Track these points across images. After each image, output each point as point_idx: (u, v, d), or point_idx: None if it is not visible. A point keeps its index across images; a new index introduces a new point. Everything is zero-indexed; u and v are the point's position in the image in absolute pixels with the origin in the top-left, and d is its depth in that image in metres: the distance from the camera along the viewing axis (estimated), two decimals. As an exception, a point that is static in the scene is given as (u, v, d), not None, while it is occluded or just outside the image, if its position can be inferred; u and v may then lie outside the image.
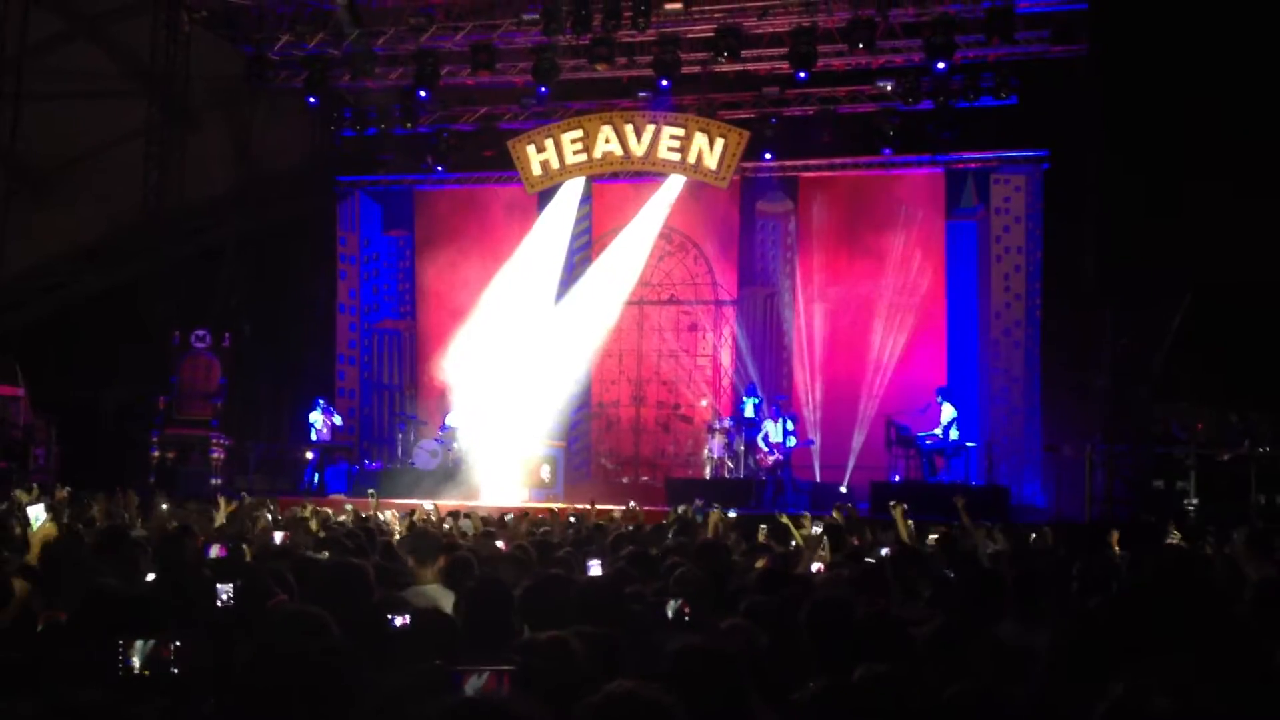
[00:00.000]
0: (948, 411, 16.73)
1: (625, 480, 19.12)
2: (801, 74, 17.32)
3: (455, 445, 18.46)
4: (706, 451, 18.42)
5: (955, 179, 18.69)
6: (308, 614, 3.48)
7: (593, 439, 20.25)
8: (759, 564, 7.26)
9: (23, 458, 18.22)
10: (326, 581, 4.77)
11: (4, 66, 18.31)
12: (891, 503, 9.72)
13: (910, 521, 9.67)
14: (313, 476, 18.48)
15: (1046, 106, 17.23)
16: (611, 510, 12.93)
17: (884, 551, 8.40)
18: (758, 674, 3.69)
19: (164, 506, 11.27)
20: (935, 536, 9.30)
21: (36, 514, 5.58)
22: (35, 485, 12.06)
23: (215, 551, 5.84)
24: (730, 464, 18.03)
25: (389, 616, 4.13)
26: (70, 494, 9.28)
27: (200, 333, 19.45)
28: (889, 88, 18.24)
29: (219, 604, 4.19)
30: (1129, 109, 15.91)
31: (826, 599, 4.76)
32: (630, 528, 10.47)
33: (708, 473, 18.16)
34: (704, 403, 19.85)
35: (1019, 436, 17.82)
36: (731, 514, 11.49)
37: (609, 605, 4.95)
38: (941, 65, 16.79)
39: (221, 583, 4.27)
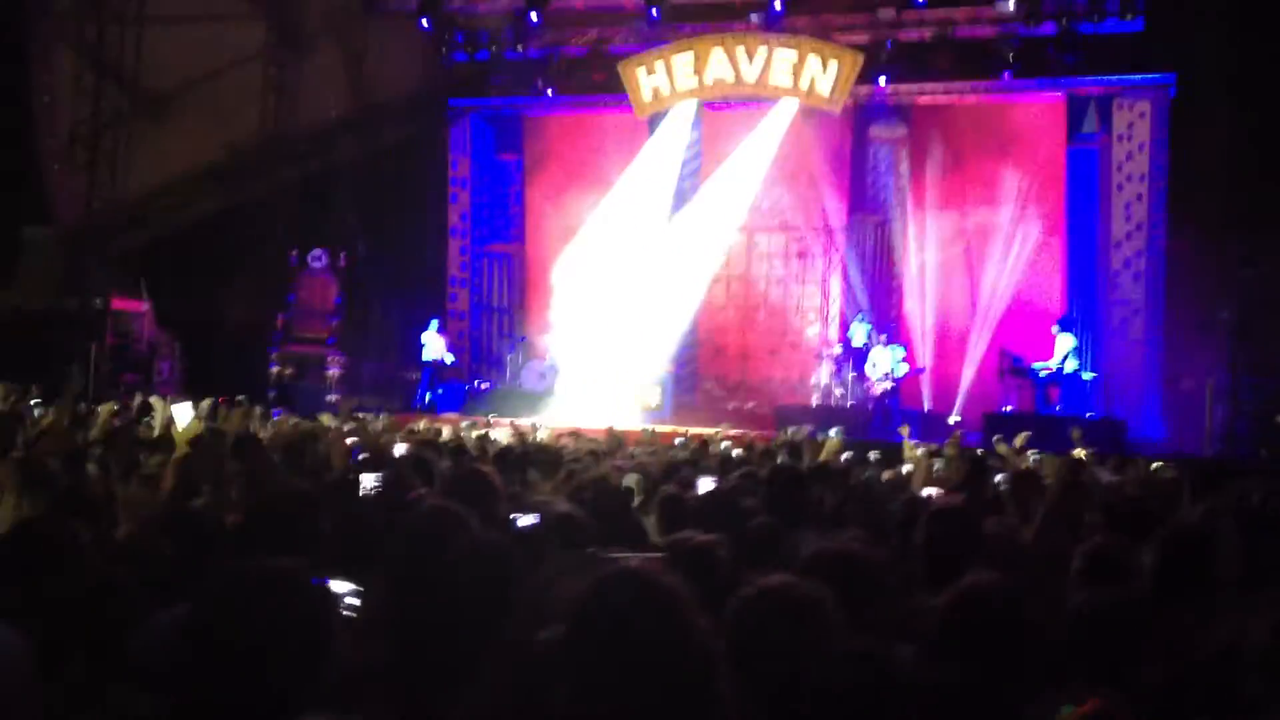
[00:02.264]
0: (1065, 342, 16.41)
1: (732, 406, 19.10)
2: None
3: (557, 367, 18.68)
4: (815, 378, 18.35)
5: (1076, 105, 18.10)
6: (451, 509, 3.57)
7: (700, 365, 20.25)
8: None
9: (147, 371, 18.88)
10: (456, 485, 4.88)
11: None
12: (1019, 435, 9.60)
13: (1029, 453, 9.56)
14: (424, 395, 18.82)
15: (1174, 28, 16.57)
16: (720, 433, 12.98)
17: (997, 478, 8.35)
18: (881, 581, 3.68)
19: (288, 418, 11.60)
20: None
21: (183, 412, 5.76)
22: (167, 396, 12.47)
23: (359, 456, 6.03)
24: (839, 391, 17.93)
25: (513, 517, 4.22)
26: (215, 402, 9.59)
27: (317, 252, 19.86)
28: (1010, 9, 17.70)
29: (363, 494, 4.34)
30: (1261, 30, 15.25)
31: (944, 510, 4.72)
32: (739, 450, 10.51)
33: (816, 400, 18.10)
34: (813, 330, 19.72)
35: (1138, 369, 17.36)
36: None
37: (728, 516, 5.00)
38: (1067, -15, 16.28)
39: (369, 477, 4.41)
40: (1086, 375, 16.75)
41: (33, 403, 10.52)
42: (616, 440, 11.11)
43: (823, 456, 9.33)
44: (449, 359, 19.30)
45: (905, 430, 10.53)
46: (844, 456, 9.81)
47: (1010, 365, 16.98)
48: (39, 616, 2.92)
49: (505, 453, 7.84)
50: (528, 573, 3.00)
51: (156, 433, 6.83)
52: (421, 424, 12.07)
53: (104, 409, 8.88)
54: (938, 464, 9.02)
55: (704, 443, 11.10)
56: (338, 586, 2.51)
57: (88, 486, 5.08)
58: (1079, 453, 9.41)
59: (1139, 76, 17.49)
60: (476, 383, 20.00)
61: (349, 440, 7.64)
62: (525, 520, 4.08)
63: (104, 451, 6.74)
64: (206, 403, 8.77)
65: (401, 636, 3.11)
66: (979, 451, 10.48)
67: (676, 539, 3.66)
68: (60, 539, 3.40)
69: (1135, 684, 3.02)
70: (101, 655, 2.91)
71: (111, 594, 3.07)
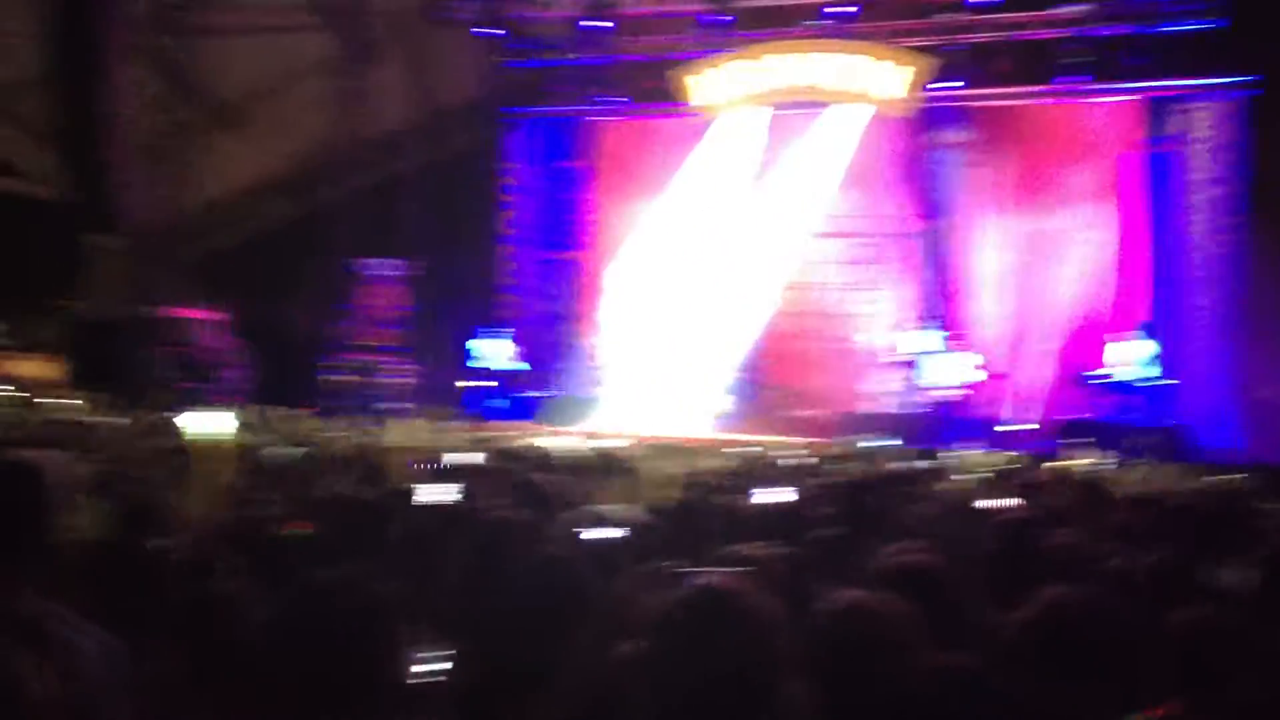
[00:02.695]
0: (1141, 349, 16.12)
1: (796, 413, 18.95)
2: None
3: (619, 375, 18.72)
4: (879, 385, 18.17)
5: (1152, 107, 17.79)
6: (519, 520, 3.54)
7: (763, 371, 20.12)
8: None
9: (214, 379, 19.10)
10: (524, 496, 4.86)
11: (196, 2, 18.98)
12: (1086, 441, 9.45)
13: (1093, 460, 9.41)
14: (487, 403, 18.88)
15: (1256, 28, 16.21)
16: (788, 440, 12.90)
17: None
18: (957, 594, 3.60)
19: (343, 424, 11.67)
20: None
21: (223, 422, 5.80)
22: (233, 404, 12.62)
23: (421, 465, 6.03)
24: (903, 398, 17.74)
25: (585, 529, 4.19)
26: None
27: (380, 261, 20.00)
28: (1082, 10, 17.41)
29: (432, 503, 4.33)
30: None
31: (1015, 522, 4.65)
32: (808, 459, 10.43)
33: (879, 407, 17.92)
34: (878, 336, 19.52)
35: (1215, 376, 16.99)
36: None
37: (800, 527, 4.94)
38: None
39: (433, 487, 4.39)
40: (1164, 382, 16.41)
41: (106, 412, 10.68)
42: (679, 450, 11.06)
43: (886, 467, 9.25)
44: (511, 367, 19.36)
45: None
46: (909, 465, 9.72)
47: (1081, 372, 16.71)
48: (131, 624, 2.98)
49: (582, 462, 7.83)
50: (604, 584, 2.97)
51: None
52: (487, 433, 12.11)
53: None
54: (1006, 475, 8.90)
55: (773, 451, 11.01)
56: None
57: (158, 497, 5.12)
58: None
59: (1216, 78, 17.12)
60: (539, 390, 20.03)
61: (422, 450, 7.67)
62: (601, 532, 4.05)
63: (176, 462, 6.81)
64: (256, 410, 8.84)
65: (470, 645, 3.09)
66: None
67: (751, 552, 3.60)
68: (141, 551, 3.46)
69: (1223, 702, 2.93)
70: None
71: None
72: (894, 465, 9.46)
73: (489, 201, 21.14)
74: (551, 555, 3.11)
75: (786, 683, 2.15)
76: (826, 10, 17.96)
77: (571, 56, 19.61)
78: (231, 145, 20.47)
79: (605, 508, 5.80)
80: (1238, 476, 10.68)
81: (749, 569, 3.15)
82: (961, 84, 18.00)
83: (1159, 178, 17.79)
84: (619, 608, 2.62)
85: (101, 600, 3.28)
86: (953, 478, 8.88)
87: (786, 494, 6.53)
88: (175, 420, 9.61)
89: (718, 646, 2.16)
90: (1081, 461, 9.28)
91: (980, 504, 7.04)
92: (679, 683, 2.13)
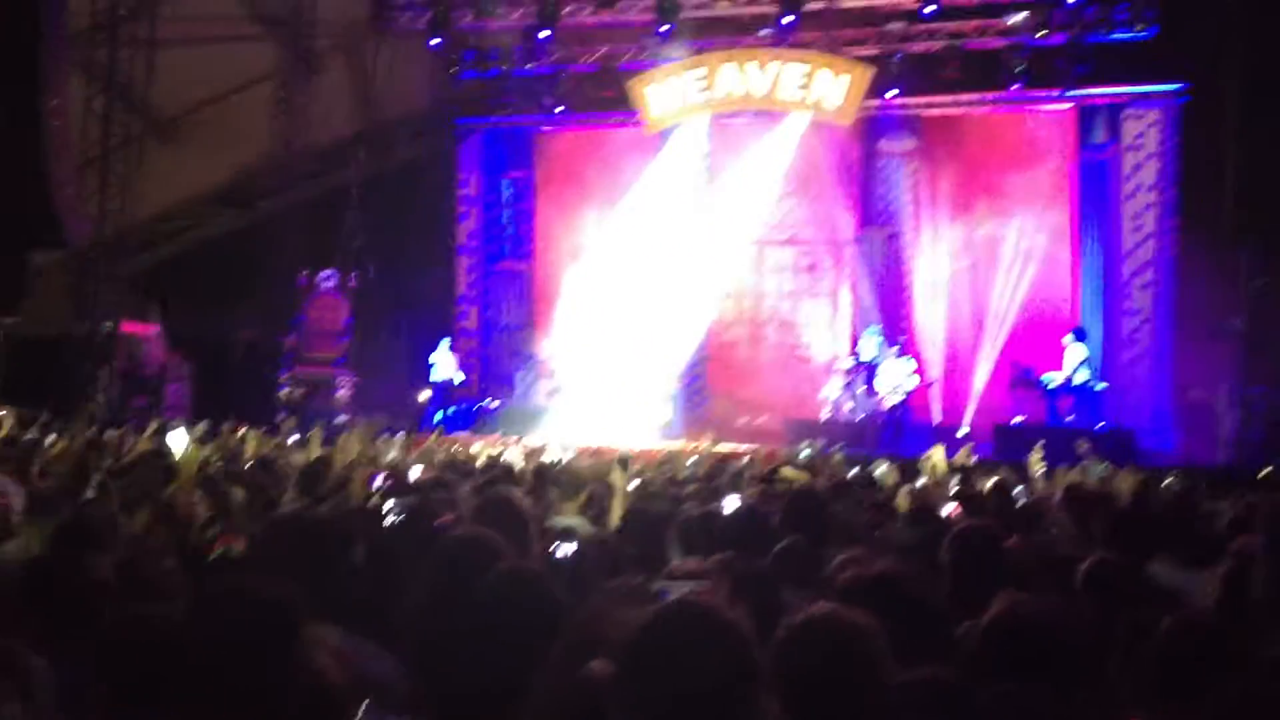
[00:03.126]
0: (1076, 353, 16.40)
1: (743, 421, 19.05)
2: (928, 9, 16.98)
3: (567, 385, 18.72)
4: (825, 393, 18.33)
5: (1086, 115, 18.16)
6: (483, 537, 3.55)
7: (710, 379, 20.23)
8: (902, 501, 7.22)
9: (158, 394, 18.88)
10: (483, 511, 4.86)
11: (136, 13, 18.76)
12: (1034, 449, 9.60)
13: (1043, 465, 9.55)
14: (435, 415, 18.81)
15: (1185, 38, 16.59)
16: (737, 449, 12.97)
17: (1016, 491, 8.34)
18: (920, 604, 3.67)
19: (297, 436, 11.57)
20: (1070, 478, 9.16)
21: (178, 439, 5.76)
22: (173, 420, 12.49)
23: (379, 481, 6.00)
24: (849, 405, 17.91)
25: (552, 547, 4.23)
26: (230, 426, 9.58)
27: (327, 273, 19.90)
28: (1019, 21, 17.72)
29: (386, 525, 4.30)
30: (1273, 38, 15.24)
31: (970, 529, 4.69)
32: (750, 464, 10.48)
33: (826, 414, 18.08)
34: (822, 343, 19.70)
35: (1149, 379, 17.35)
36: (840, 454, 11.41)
37: (754, 536, 4.99)
38: (1076, -3, 16.35)
39: (392, 502, 4.38)
40: (1098, 386, 16.74)
41: (43, 430, 10.50)
42: (627, 460, 11.08)
43: (828, 473, 9.29)
44: (459, 378, 19.32)
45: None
46: (851, 473, 9.81)
47: (1021, 376, 16.98)
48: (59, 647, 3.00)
49: (537, 473, 7.85)
50: (573, 601, 3.00)
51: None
52: (437, 445, 12.05)
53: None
54: (954, 480, 9.02)
55: (720, 460, 11.05)
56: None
57: (96, 516, 5.05)
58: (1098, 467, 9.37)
59: (1149, 86, 17.51)
60: (487, 401, 20.00)
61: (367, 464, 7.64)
62: (566, 549, 4.09)
63: (123, 479, 6.75)
64: (201, 427, 8.77)
65: (438, 665, 3.11)
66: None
67: (721, 563, 3.64)
68: (74, 572, 3.47)
69: (1192, 705, 3.02)
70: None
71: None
72: (843, 473, 9.54)
73: (440, 212, 21.08)
74: (518, 572, 3.13)
75: (761, 699, 2.18)
76: (772, 20, 18.06)
77: (526, 67, 19.57)
78: (175, 157, 20.25)
79: (560, 521, 5.86)
80: (1177, 478, 10.88)
81: (708, 582, 3.20)
82: (898, 91, 18.23)
83: (1097, 184, 18.16)
84: (589, 624, 2.65)
85: (33, 621, 3.30)
86: (904, 484, 8.97)
87: (735, 503, 6.59)
88: (119, 437, 9.54)
89: (692, 663, 2.18)
90: (1036, 465, 9.41)
91: (932, 510, 7.16)
92: (653, 701, 2.15)
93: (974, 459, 10.99)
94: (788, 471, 8.64)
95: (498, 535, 3.70)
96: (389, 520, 4.33)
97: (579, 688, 2.37)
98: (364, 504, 5.08)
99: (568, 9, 18.48)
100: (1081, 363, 16.39)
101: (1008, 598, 3.17)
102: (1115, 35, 16.93)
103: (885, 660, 2.40)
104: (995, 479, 8.61)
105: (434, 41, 19.17)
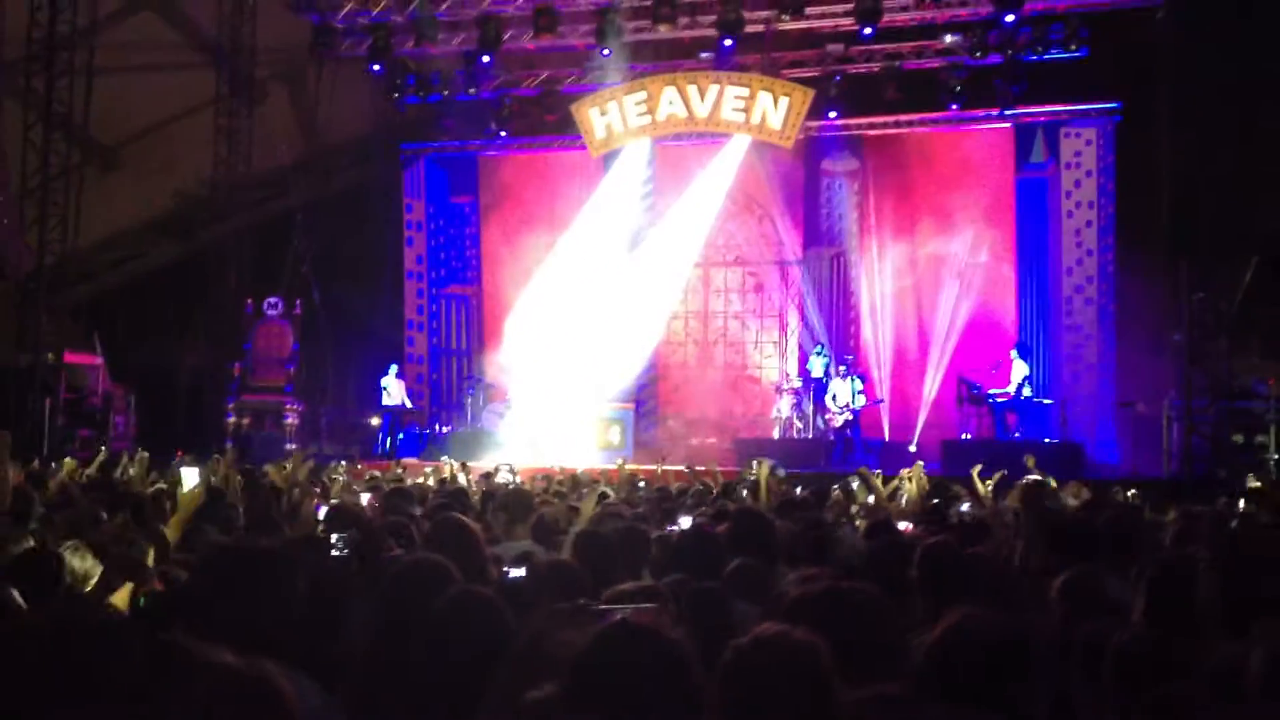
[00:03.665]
0: (1020, 369, 16.59)
1: (693, 442, 19.10)
2: (866, 31, 17.20)
3: (511, 408, 18.69)
4: (775, 412, 18.42)
5: (1024, 134, 18.42)
6: (433, 562, 3.53)
7: (660, 401, 20.28)
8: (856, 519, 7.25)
9: (102, 425, 18.63)
10: (434, 536, 4.83)
11: (75, 41, 18.58)
12: (975, 467, 9.66)
13: (988, 480, 9.62)
14: (385, 441, 18.70)
15: (1118, 58, 16.92)
16: (686, 470, 12.98)
17: (964, 508, 8.40)
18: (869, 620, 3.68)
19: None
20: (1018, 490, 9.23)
21: (190, 477, 5.71)
22: (112, 449, 12.31)
23: (324, 511, 5.94)
24: (799, 424, 18.01)
25: (505, 569, 4.21)
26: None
27: (272, 300, 19.73)
28: (955, 42, 18.00)
29: (333, 555, 4.24)
30: (1202, 56, 15.55)
31: (937, 544, 4.71)
32: (701, 486, 10.50)
33: (776, 433, 18.16)
34: (771, 363, 19.80)
35: (1092, 393, 17.61)
36: (781, 471, 11.39)
37: (710, 556, 4.99)
38: (1010, 18, 16.59)
39: (336, 534, 4.32)
40: (1043, 401, 16.96)
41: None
42: (577, 482, 11.06)
43: (763, 493, 9.21)
44: (408, 404, 19.22)
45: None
46: (798, 490, 9.84)
47: (968, 393, 17.14)
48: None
49: (484, 498, 7.81)
50: (518, 624, 2.98)
51: (151, 490, 6.75)
52: (385, 472, 11.98)
53: (66, 465, 8.74)
54: (903, 495, 9.09)
55: (671, 481, 11.05)
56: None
57: (34, 549, 4.94)
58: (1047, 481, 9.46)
59: (1084, 105, 17.84)
60: (437, 427, 19.92)
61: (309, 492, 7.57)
62: (517, 572, 4.07)
63: (60, 511, 6.66)
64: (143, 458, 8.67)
65: (382, 696, 3.08)
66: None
67: (671, 584, 3.63)
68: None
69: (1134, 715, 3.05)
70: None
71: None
72: (792, 491, 9.58)
73: (385, 238, 20.99)
74: (469, 596, 3.11)
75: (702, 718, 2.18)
76: (712, 43, 18.20)
77: (468, 92, 19.55)
78: (115, 186, 20.06)
79: (508, 545, 5.83)
80: (1122, 489, 11.03)
81: (656, 603, 3.20)
82: (837, 114, 18.44)
83: (1037, 202, 18.42)
84: (533, 646, 2.63)
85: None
86: (853, 501, 9.01)
87: (686, 523, 6.60)
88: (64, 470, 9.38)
89: (633, 684, 2.18)
90: (976, 481, 9.47)
91: (884, 526, 7.20)
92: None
93: (924, 475, 11.04)
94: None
95: (448, 560, 3.68)
96: (334, 551, 4.27)
97: (525, 711, 2.36)
98: (309, 534, 5.01)
99: (509, 33, 18.51)
100: (1024, 378, 16.58)
101: (956, 613, 3.18)
102: (1050, 55, 17.21)
103: (833, 679, 2.40)
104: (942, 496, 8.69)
105: (375, 68, 19.12)
